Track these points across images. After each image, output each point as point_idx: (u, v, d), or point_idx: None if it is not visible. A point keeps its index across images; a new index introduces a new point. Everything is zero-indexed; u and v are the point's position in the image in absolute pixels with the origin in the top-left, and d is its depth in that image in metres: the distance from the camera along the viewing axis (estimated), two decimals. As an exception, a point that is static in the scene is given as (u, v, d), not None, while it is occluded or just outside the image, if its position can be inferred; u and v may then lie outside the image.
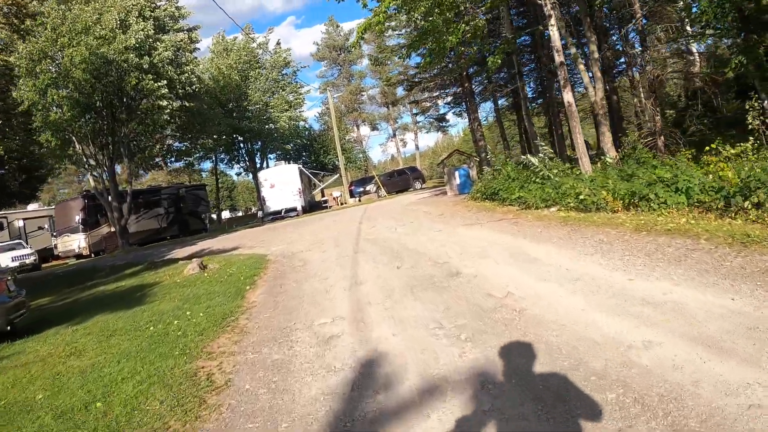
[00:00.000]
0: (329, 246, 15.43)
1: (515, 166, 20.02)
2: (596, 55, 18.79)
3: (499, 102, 42.70)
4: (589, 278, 7.25)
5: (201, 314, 8.95)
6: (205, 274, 13.68)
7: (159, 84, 29.72)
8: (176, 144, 43.09)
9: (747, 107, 14.51)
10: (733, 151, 12.00)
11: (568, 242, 9.77)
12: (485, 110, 62.80)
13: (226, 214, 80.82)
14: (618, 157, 16.75)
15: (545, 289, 7.15)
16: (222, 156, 53.36)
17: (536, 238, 10.74)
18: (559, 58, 16.05)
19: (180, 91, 33.73)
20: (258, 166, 51.72)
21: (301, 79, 76.03)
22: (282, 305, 9.00)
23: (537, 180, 16.50)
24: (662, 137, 19.05)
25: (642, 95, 19.83)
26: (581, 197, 12.95)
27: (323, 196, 55.92)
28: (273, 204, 40.51)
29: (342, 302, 8.44)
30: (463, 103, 40.43)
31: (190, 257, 18.54)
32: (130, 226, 36.45)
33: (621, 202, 11.88)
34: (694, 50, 23.78)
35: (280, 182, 40.16)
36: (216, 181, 58.28)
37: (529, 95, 44.53)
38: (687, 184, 10.68)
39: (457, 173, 26.82)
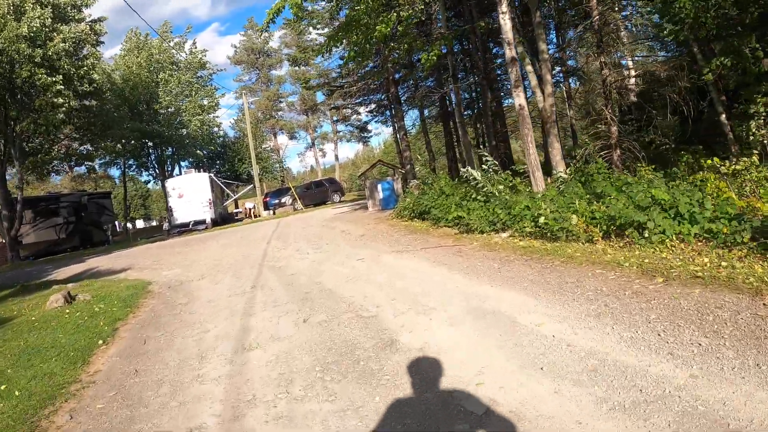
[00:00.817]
0: (226, 275, 12.40)
1: (449, 180, 17.32)
2: (546, 54, 16.29)
3: (425, 112, 40.30)
4: (618, 372, 4.32)
5: (17, 392, 5.72)
6: (67, 311, 10.22)
7: (54, 79, 25.87)
8: (78, 147, 38.41)
9: (723, 118, 12.33)
10: (735, 167, 9.56)
11: (546, 289, 6.89)
12: (411, 119, 60.35)
13: (140, 224, 75.59)
14: (568, 172, 14.23)
15: (552, 396, 4.16)
16: (130, 162, 48.85)
17: (496, 279, 7.87)
18: (510, 52, 13.34)
19: (79, 88, 29.82)
20: (168, 173, 47.47)
21: (219, 84, 71.28)
22: (129, 388, 5.76)
23: (478, 197, 13.74)
24: (618, 150, 16.75)
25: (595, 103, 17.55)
26: (542, 220, 10.19)
27: (237, 207, 52.38)
28: (181, 215, 36.90)
29: (216, 388, 5.32)
30: (388, 111, 37.71)
31: (66, 280, 15.57)
32: (26, 236, 33.09)
33: (597, 228, 9.20)
34: (631, 63, 22.03)
35: (190, 192, 36.60)
36: (124, 188, 53.67)
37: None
38: (690, 209, 8.07)
39: (379, 186, 23.99)
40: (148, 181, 53.70)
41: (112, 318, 9.01)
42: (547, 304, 6.30)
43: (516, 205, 11.68)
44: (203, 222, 35.60)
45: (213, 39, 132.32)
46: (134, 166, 49.59)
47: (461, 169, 18.15)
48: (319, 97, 65.63)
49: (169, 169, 48.55)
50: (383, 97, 36.17)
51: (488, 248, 10.46)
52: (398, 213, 18.68)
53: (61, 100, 26.52)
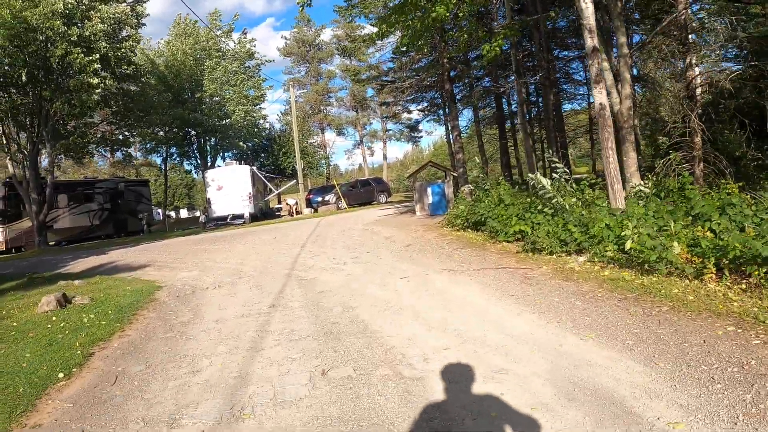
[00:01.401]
0: (247, 283, 10.84)
1: (509, 188, 15.41)
2: (626, 50, 14.24)
3: (479, 114, 38.31)
4: None
5: None
6: (54, 318, 8.70)
7: (90, 58, 24.82)
8: (115, 132, 37.47)
9: None
10: None
11: (663, 354, 4.89)
12: (464, 119, 58.57)
13: (184, 213, 74.98)
14: (648, 185, 12.17)
15: None
16: (172, 150, 47.91)
17: (585, 327, 5.94)
18: (591, 41, 11.33)
19: (117, 70, 28.79)
20: (210, 164, 46.33)
21: (268, 76, 70.05)
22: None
23: (545, 210, 11.79)
24: (702, 164, 14.65)
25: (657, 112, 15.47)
26: (629, 245, 8.23)
27: (279, 202, 51.05)
28: (219, 208, 35.80)
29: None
30: (441, 110, 35.87)
31: (78, 275, 14.29)
32: (58, 221, 32.62)
33: (709, 261, 7.22)
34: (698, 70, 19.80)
35: (230, 184, 35.48)
36: (165, 177, 52.75)
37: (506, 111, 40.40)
38: None
39: (429, 190, 22.13)
40: (190, 171, 52.66)
41: (94, 336, 7.40)
42: (672, 382, 4.34)
43: (594, 223, 9.74)
44: (241, 216, 34.40)
45: (267, 33, 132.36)
46: (176, 155, 48.60)
47: (515, 175, 16.23)
48: (370, 93, 64.27)
49: (211, 159, 47.41)
50: (436, 94, 34.34)
51: (563, 276, 8.54)
52: (449, 221, 16.80)
53: (96, 81, 25.41)
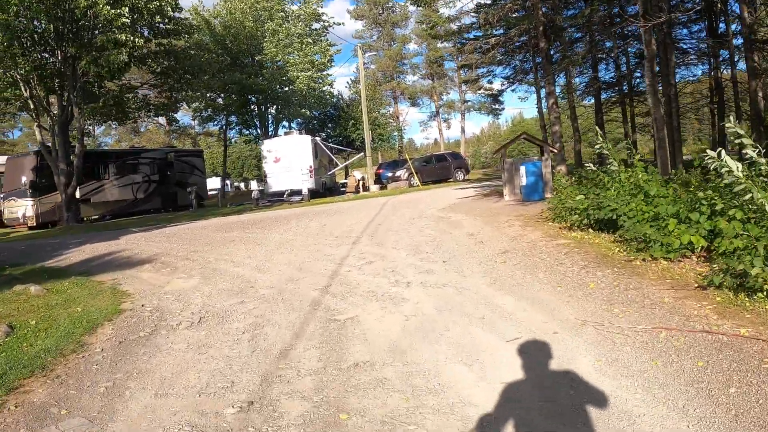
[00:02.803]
0: (239, 322, 6.81)
1: (655, 172, 10.73)
2: None
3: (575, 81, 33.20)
4: None
5: None
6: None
7: (118, 11, 21.36)
8: (157, 95, 34.01)
9: None
10: None
11: None
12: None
13: (254, 185, 71.81)
14: None
15: None
16: (232, 119, 44.40)
17: None
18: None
19: (154, 24, 25.23)
20: (272, 134, 42.57)
21: (336, 39, 65.51)
22: None
23: (733, 211, 7.08)
24: None
25: None
26: None
27: (347, 176, 47.16)
28: (276, 182, 32.33)
29: None
30: (531, 74, 30.78)
31: (53, 273, 11.26)
32: (98, 193, 29.84)
33: None
34: None
35: (288, 156, 31.84)
36: (224, 147, 49.43)
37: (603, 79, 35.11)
38: None
39: (523, 169, 17.48)
40: (250, 141, 49.06)
41: None
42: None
43: None
44: (299, 192, 30.72)
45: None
46: (234, 124, 45.10)
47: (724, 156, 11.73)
48: (448, 62, 59.27)
49: (273, 128, 43.67)
50: (526, 56, 29.34)
51: None
52: (556, 213, 12.23)
53: (124, 37, 21.87)
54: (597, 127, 12.29)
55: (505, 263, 8.84)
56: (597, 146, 11.43)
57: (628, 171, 10.84)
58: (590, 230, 10.56)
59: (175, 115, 41.94)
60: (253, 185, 66.80)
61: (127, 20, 22.21)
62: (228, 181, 66.18)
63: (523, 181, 17.51)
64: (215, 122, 45.37)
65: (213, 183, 59.99)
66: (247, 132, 46.66)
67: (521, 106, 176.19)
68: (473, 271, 8.54)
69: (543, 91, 26.94)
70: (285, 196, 31.58)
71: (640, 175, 10.35)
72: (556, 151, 18.88)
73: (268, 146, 33.25)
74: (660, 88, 16.03)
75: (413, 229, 13.38)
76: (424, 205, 19.90)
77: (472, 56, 29.24)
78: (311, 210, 22.04)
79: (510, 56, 27.59)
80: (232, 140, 53.48)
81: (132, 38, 22.76)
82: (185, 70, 29.67)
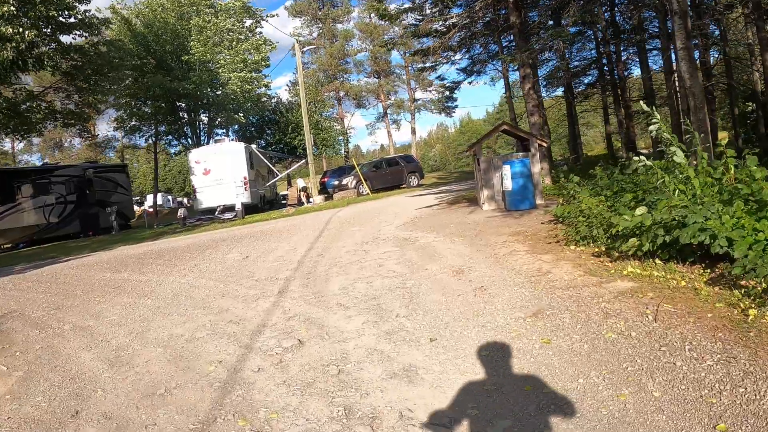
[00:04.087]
0: None
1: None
2: None
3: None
4: None
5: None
6: None
7: (-1, -2, 16.99)
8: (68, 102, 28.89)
9: None
10: None
11: None
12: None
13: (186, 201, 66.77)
14: None
15: None
16: (162, 129, 39.29)
17: None
18: None
19: (52, 17, 20.63)
20: (204, 144, 37.67)
21: (272, 39, 60.22)
22: None
23: None
24: None
25: None
26: None
27: (289, 185, 42.72)
28: (206, 198, 27.97)
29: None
30: (496, 60, 26.65)
31: None
32: (2, 220, 25.49)
33: None
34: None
35: (220, 167, 27.56)
36: (155, 160, 44.29)
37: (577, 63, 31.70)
38: None
39: (507, 169, 13.34)
40: (180, 153, 44.09)
41: None
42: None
43: None
44: (232, 208, 26.24)
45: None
46: (163, 134, 40.09)
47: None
48: (394, 58, 55.34)
49: (205, 138, 38.82)
50: (489, 39, 25.29)
51: None
52: (577, 231, 8.15)
53: (10, 30, 17.39)
54: (643, 103, 8.05)
55: (553, 351, 4.64)
56: (652, 128, 7.30)
57: (711, 164, 6.84)
58: (653, 260, 6.51)
59: (98, 127, 36.83)
60: (159, 201, 60.86)
61: (13, 9, 17.72)
62: (169, 197, 60.89)
63: (508, 184, 13.42)
64: (141, 134, 40.20)
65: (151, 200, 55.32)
66: (178, 143, 41.59)
67: (474, 104, 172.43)
68: (501, 371, 4.35)
69: (515, 76, 22.96)
70: (216, 213, 27.11)
71: (732, 171, 6.40)
72: (546, 144, 14.81)
73: (195, 156, 28.71)
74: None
75: (369, 264, 9.17)
76: (379, 219, 15.84)
77: (425, 41, 25.11)
78: (239, 232, 17.60)
79: (471, 40, 23.42)
80: (171, 153, 48.49)
81: (20, 31, 18.23)
82: (94, 69, 24.96)
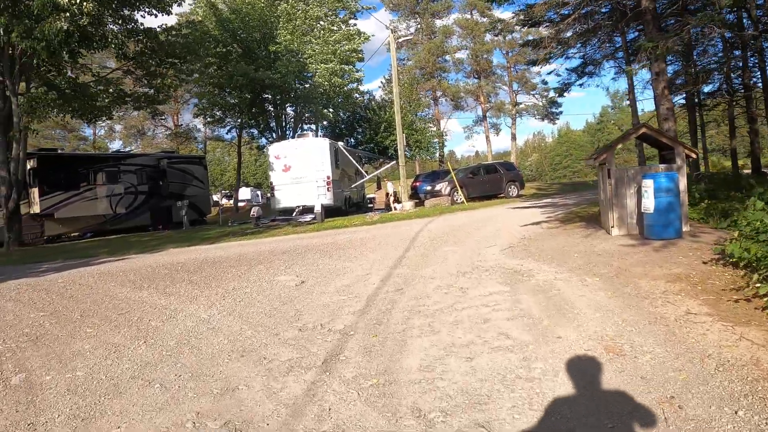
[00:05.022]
0: None
1: None
2: None
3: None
4: None
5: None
6: None
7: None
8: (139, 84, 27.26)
9: None
10: None
11: None
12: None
13: (246, 195, 65.56)
14: None
15: None
16: (251, 121, 37.55)
17: None
18: None
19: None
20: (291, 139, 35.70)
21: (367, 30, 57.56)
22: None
23: None
24: None
25: None
26: None
27: (379, 188, 40.26)
28: (285, 196, 25.97)
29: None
30: (614, 59, 23.25)
31: None
32: (66, 207, 24.28)
33: None
34: None
35: (300, 164, 25.49)
36: (239, 153, 42.83)
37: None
38: None
39: (649, 184, 10.24)
40: (261, 147, 42.36)
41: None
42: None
43: None
44: (311, 209, 24.37)
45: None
46: (248, 127, 38.37)
47: None
48: (496, 56, 52.18)
49: (291, 133, 36.80)
50: (608, 34, 21.91)
51: None
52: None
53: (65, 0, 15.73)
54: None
55: None
56: None
57: None
58: None
59: (182, 117, 35.52)
60: (247, 195, 59.04)
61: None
62: (258, 192, 59.74)
63: (649, 204, 10.32)
64: (224, 125, 38.75)
65: (244, 194, 55.52)
66: (262, 137, 39.81)
67: (574, 113, 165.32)
68: None
69: (639, 79, 19.59)
70: (294, 214, 24.92)
71: None
72: (694, 156, 11.56)
73: (275, 151, 26.61)
74: None
75: (467, 314, 6.43)
76: (479, 237, 13.05)
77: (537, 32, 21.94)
78: (309, 241, 15.04)
79: (588, 34, 20.15)
80: (261, 146, 47.09)
81: (77, 1, 16.49)
82: (168, 53, 23.23)
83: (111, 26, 20.28)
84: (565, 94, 28.89)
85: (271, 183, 26.55)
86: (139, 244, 18.75)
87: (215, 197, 52.83)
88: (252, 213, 24.99)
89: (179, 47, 23.72)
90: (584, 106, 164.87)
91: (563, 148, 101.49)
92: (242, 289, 8.82)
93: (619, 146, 11.88)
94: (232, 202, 52.74)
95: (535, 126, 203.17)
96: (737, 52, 25.57)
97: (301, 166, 25.32)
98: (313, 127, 39.79)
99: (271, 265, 10.97)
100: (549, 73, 28.72)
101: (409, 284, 8.32)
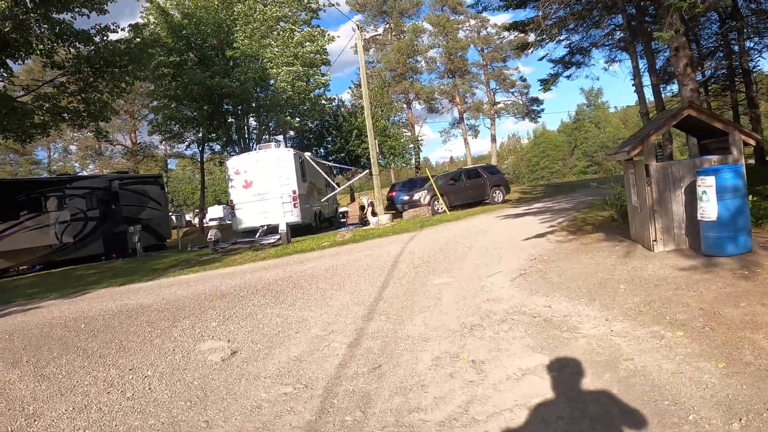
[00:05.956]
0: None
1: None
2: None
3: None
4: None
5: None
6: None
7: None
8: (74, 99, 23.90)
9: None
10: None
11: None
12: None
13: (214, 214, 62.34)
14: None
15: None
16: (211, 134, 34.42)
17: None
18: None
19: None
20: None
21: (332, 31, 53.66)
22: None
23: None
24: None
25: None
26: None
27: (353, 200, 37.44)
28: (247, 216, 23.23)
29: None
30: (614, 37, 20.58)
31: None
32: (1, 240, 21.28)
33: None
34: None
35: (263, 178, 22.86)
36: (201, 169, 39.68)
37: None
38: None
39: (709, 182, 7.52)
40: (223, 163, 39.32)
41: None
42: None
43: None
44: (275, 230, 21.21)
45: None
46: (207, 141, 35.28)
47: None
48: (471, 56, 49.58)
49: (254, 145, 33.83)
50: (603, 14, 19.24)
51: None
52: None
53: None
54: None
55: None
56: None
57: None
58: None
59: (136, 134, 32.41)
60: (220, 213, 55.43)
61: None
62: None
63: (710, 209, 7.60)
64: (182, 140, 35.70)
65: (217, 212, 54.41)
66: (224, 151, 36.64)
67: (548, 112, 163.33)
68: None
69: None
70: (258, 235, 21.92)
71: None
72: (753, 142, 8.79)
73: (235, 165, 23.74)
74: None
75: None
76: (475, 259, 10.32)
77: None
78: (263, 275, 11.90)
79: (583, 14, 17.45)
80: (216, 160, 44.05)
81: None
82: (107, 60, 20.20)
83: (36, 29, 17.21)
84: (554, 85, 26.23)
85: (231, 201, 23.70)
86: (76, 279, 15.83)
87: (188, 216, 49.74)
88: (209, 236, 21.72)
89: (119, 54, 20.64)
90: (559, 105, 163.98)
91: (539, 149, 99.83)
92: (142, 370, 5.87)
93: (656, 136, 9.07)
94: (206, 221, 49.97)
95: (509, 129, 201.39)
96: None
97: (263, 181, 22.59)
98: (280, 138, 36.86)
99: (200, 318, 8.00)
100: (541, 59, 26.58)
101: (390, 355, 5.46)
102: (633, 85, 20.54)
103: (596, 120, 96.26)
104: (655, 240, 8.55)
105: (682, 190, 8.46)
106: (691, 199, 8.22)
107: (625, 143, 9.62)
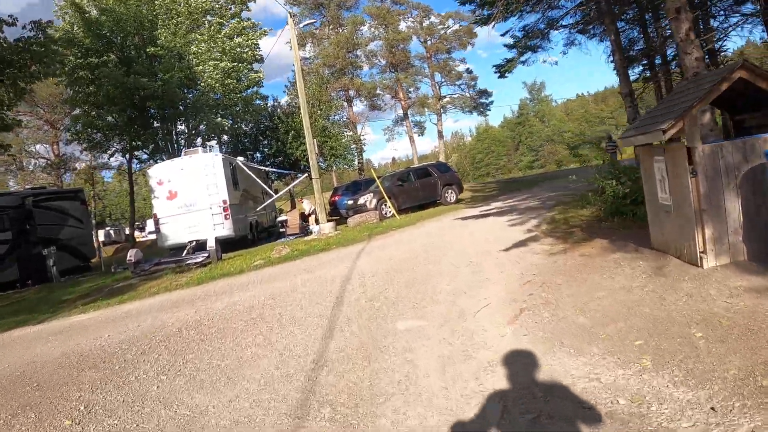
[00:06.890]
0: None
1: None
2: None
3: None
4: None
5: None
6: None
7: None
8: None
9: None
10: None
11: None
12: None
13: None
14: None
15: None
16: (135, 142, 31.04)
17: None
18: None
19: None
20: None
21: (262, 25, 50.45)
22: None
23: None
24: None
25: None
26: None
27: (293, 207, 34.76)
28: (173, 231, 20.38)
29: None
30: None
31: None
32: None
33: None
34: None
35: (189, 188, 20.20)
36: (130, 181, 36.21)
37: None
38: None
39: None
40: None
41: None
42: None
43: None
44: (202, 247, 18.14)
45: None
46: (131, 149, 31.94)
47: None
48: (414, 48, 47.31)
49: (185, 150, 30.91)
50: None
51: None
52: None
53: None
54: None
55: None
56: None
57: None
58: None
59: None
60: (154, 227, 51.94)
61: None
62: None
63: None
64: (105, 149, 32.38)
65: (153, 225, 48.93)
66: (151, 159, 33.29)
67: (496, 105, 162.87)
68: None
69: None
70: (184, 253, 18.83)
71: None
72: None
73: (157, 174, 20.93)
74: None
75: None
76: (449, 285, 7.99)
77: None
78: (169, 318, 8.94)
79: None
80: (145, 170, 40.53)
81: None
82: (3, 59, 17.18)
83: None
84: (508, 74, 23.96)
85: (155, 215, 20.77)
86: None
87: (127, 230, 46.38)
88: (129, 257, 18.47)
89: (17, 53, 17.59)
90: (501, 100, 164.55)
91: (483, 146, 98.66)
92: None
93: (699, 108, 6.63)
94: (145, 234, 46.87)
95: (450, 126, 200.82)
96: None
97: (189, 191, 19.94)
98: (214, 143, 33.78)
99: (51, 410, 5.18)
100: (503, 34, 24.54)
101: None
102: (612, 62, 18.27)
103: (540, 114, 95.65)
104: (704, 252, 6.11)
105: (737, 181, 6.05)
106: (752, 192, 5.85)
107: (651, 120, 7.05)
